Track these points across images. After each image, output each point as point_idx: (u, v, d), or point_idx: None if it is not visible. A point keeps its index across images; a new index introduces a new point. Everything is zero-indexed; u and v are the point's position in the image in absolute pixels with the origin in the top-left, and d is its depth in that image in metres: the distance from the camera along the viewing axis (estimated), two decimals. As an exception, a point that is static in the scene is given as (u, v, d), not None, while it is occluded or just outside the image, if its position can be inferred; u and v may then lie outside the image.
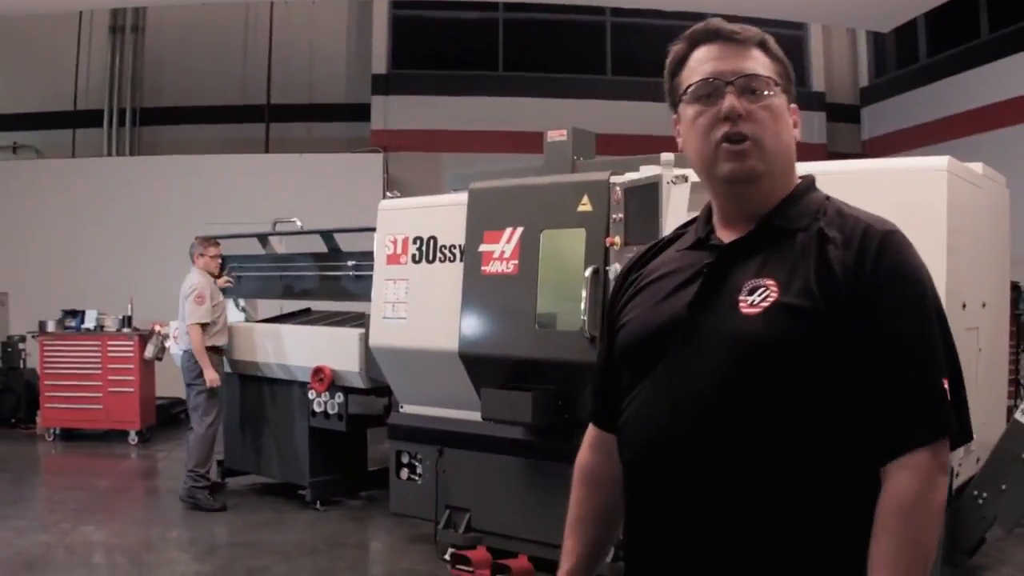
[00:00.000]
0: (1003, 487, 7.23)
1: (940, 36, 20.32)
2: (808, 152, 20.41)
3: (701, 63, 2.56)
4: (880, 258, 2.41)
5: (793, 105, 2.62)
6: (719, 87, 2.51)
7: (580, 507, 2.89)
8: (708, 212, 2.70)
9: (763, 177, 2.53)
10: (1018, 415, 7.34)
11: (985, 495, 7.23)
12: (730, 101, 2.49)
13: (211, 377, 10.93)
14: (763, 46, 2.59)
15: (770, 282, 2.44)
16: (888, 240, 2.43)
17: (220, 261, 11.76)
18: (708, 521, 2.41)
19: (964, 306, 6.60)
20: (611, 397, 2.76)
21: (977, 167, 7.47)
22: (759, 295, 2.43)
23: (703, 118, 2.53)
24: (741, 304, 2.45)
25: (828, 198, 2.61)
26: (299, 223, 12.56)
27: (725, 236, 2.62)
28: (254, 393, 11.72)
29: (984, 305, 7.28)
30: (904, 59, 21.91)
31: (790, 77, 2.62)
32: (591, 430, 2.93)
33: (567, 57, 22.69)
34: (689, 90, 2.56)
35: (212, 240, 11.70)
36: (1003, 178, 8.20)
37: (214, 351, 11.17)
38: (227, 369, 11.59)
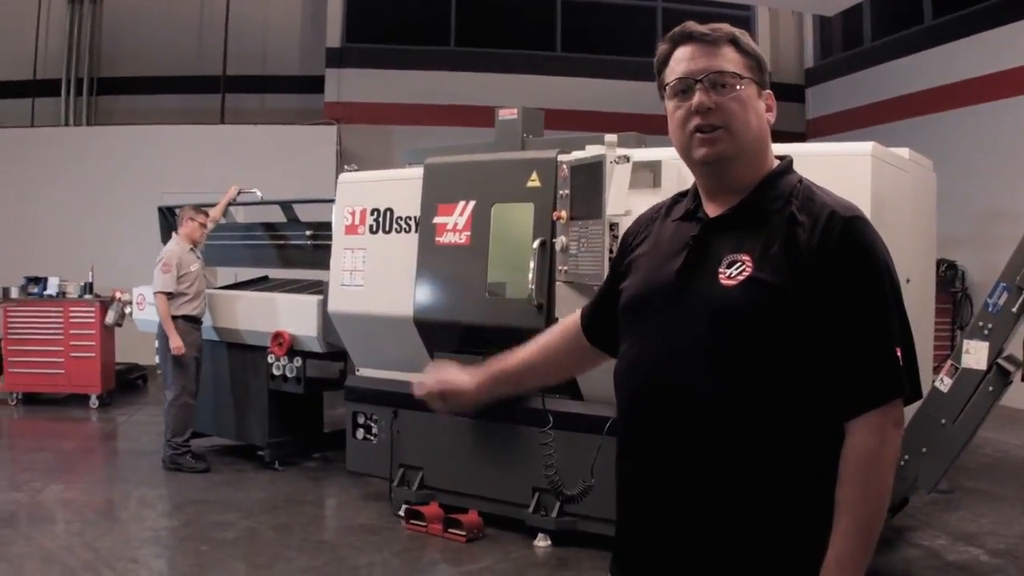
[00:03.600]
0: (924, 450, 7.62)
1: (884, 21, 20.62)
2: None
3: (678, 63, 2.88)
4: (841, 241, 2.70)
5: (767, 91, 2.92)
6: (691, 84, 2.82)
7: (539, 338, 3.47)
8: (696, 187, 3.01)
9: (734, 159, 2.84)
10: (937, 383, 7.75)
11: (907, 457, 7.58)
12: (699, 97, 2.80)
13: (175, 345, 10.93)
14: (734, 43, 2.87)
15: (746, 257, 2.74)
16: (849, 225, 2.72)
17: (205, 230, 11.68)
18: (689, 462, 2.77)
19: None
20: (599, 312, 3.27)
21: (903, 152, 7.85)
22: (736, 269, 2.74)
23: (679, 111, 2.85)
24: (720, 276, 2.76)
25: (801, 180, 2.89)
26: (259, 194, 12.71)
27: (710, 210, 2.92)
28: (215, 358, 11.83)
29: (908, 281, 7.67)
30: (849, 42, 22.19)
31: (762, 68, 2.91)
32: (578, 318, 3.43)
33: (518, 33, 22.94)
34: (668, 87, 2.89)
35: (201, 210, 11.76)
36: (929, 162, 8.54)
37: (189, 320, 11.19)
38: (211, 337, 11.67)
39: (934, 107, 18.09)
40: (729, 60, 2.85)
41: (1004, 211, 15.77)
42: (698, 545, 2.78)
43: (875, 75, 20.27)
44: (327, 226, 10.86)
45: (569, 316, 3.46)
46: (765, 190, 2.87)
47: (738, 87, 2.84)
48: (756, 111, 2.88)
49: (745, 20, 22.71)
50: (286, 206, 12.23)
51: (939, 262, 15.45)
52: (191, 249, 11.43)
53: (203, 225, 11.64)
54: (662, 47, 2.97)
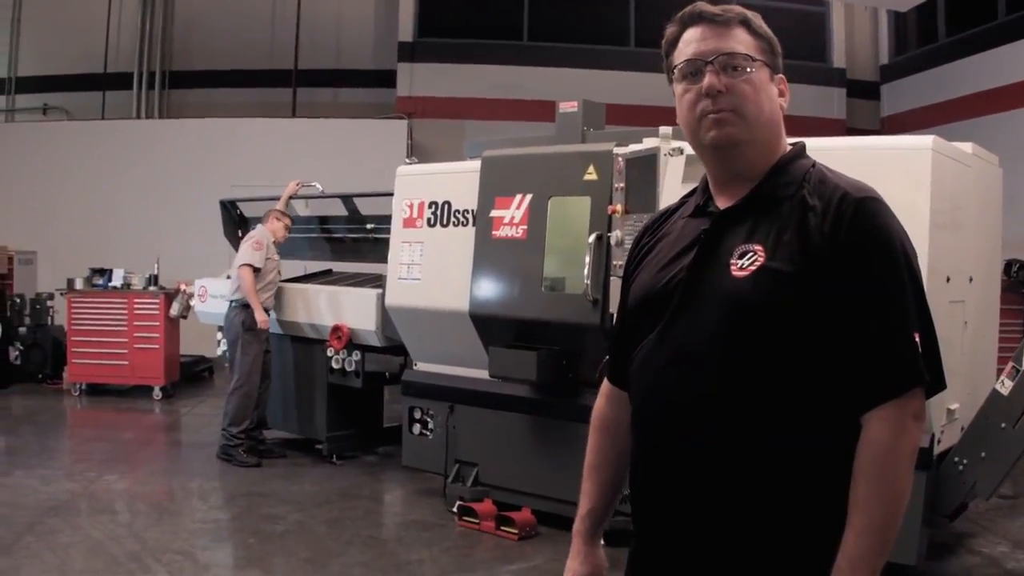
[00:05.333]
0: (983, 455, 7.43)
1: (959, 16, 20.33)
2: (827, 127, 20.35)
3: (687, 44, 2.76)
4: (854, 223, 2.58)
5: (779, 76, 2.82)
6: (700, 66, 2.71)
7: (596, 453, 3.15)
8: (706, 181, 2.89)
9: (745, 143, 2.73)
10: (997, 386, 7.54)
11: (965, 462, 7.40)
12: (709, 79, 2.69)
13: (261, 319, 10.96)
14: (745, 24, 2.77)
15: (758, 247, 2.64)
16: (862, 206, 2.61)
17: (288, 233, 11.82)
18: (702, 461, 2.66)
19: (948, 279, 6.79)
20: (624, 356, 2.97)
21: (966, 147, 7.61)
22: (748, 259, 2.63)
23: (689, 94, 2.74)
24: (732, 267, 2.65)
25: (814, 165, 2.79)
26: (319, 187, 12.68)
27: (721, 203, 2.80)
28: (275, 350, 11.83)
29: (971, 279, 7.49)
30: (924, 38, 21.88)
31: (775, 51, 2.81)
32: (606, 384, 3.16)
33: (591, 28, 22.75)
34: (676, 69, 2.79)
35: (289, 216, 11.90)
36: (995, 157, 8.30)
37: None
38: (275, 330, 11.68)
39: (1012, 104, 17.78)
40: (741, 42, 2.75)
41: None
42: (710, 542, 2.68)
43: (950, 71, 19.98)
44: (388, 219, 10.82)
45: (596, 408, 3.18)
46: (777, 177, 2.76)
47: (749, 70, 2.73)
48: (768, 95, 2.77)
49: (819, 16, 22.57)
50: (347, 200, 12.19)
51: (1012, 262, 15.16)
52: (273, 242, 11.50)
53: (288, 228, 11.77)
54: (671, 29, 2.86)
